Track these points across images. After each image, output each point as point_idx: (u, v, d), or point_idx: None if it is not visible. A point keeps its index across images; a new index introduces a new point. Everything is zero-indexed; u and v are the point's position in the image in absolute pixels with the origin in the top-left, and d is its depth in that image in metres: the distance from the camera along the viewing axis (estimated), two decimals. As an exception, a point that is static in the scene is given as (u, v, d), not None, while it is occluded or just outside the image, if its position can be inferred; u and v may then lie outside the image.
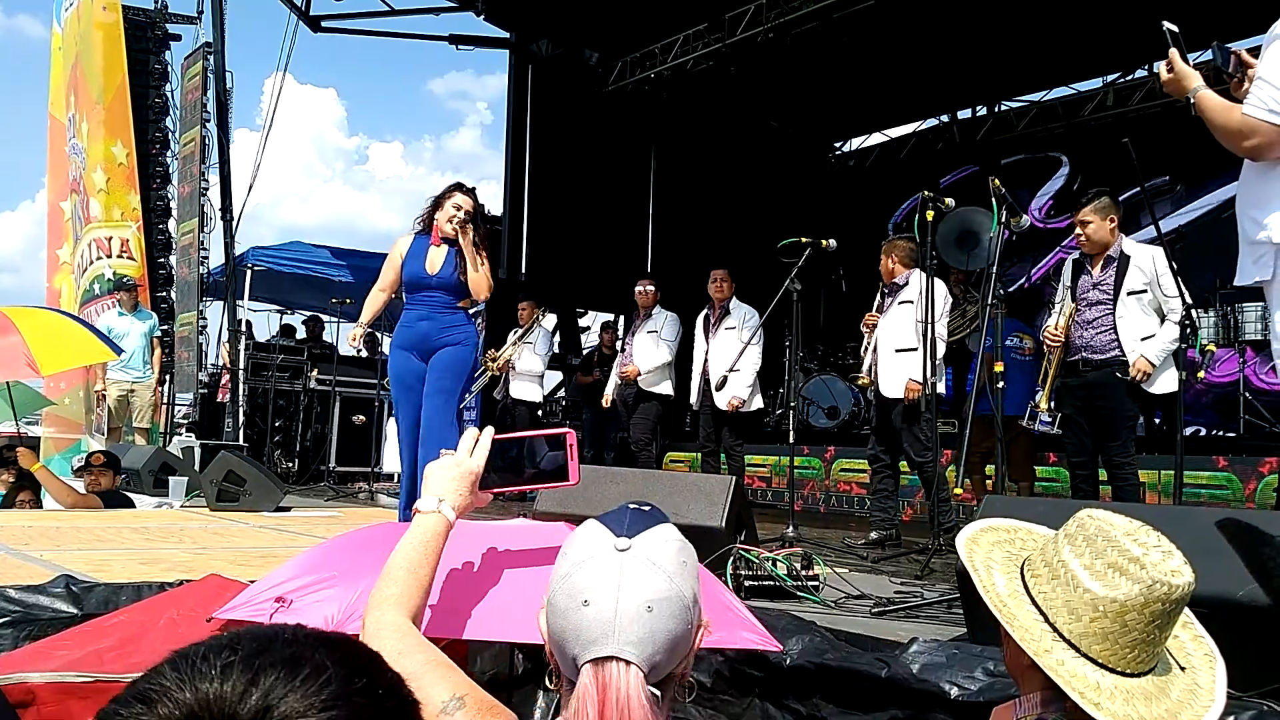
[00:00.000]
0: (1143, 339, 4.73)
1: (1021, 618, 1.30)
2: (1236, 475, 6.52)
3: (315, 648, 0.69)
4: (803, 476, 8.84)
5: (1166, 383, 4.71)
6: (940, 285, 5.69)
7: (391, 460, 9.59)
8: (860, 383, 5.96)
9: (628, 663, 1.09)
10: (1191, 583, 1.22)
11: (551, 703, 2.26)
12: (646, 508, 1.25)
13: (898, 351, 5.52)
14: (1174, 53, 2.75)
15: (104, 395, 8.82)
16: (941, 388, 5.50)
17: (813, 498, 8.93)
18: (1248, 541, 2.08)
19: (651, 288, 7.69)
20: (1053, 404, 5.01)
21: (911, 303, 5.52)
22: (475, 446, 1.63)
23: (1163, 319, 4.74)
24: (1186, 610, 1.35)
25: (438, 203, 4.82)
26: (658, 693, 1.11)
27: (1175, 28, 2.77)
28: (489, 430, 1.66)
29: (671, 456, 9.74)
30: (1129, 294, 4.79)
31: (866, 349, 5.80)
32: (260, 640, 0.68)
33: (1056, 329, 4.97)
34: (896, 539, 5.42)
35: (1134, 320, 4.78)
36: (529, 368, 8.59)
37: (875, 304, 5.86)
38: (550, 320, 8.58)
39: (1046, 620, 1.29)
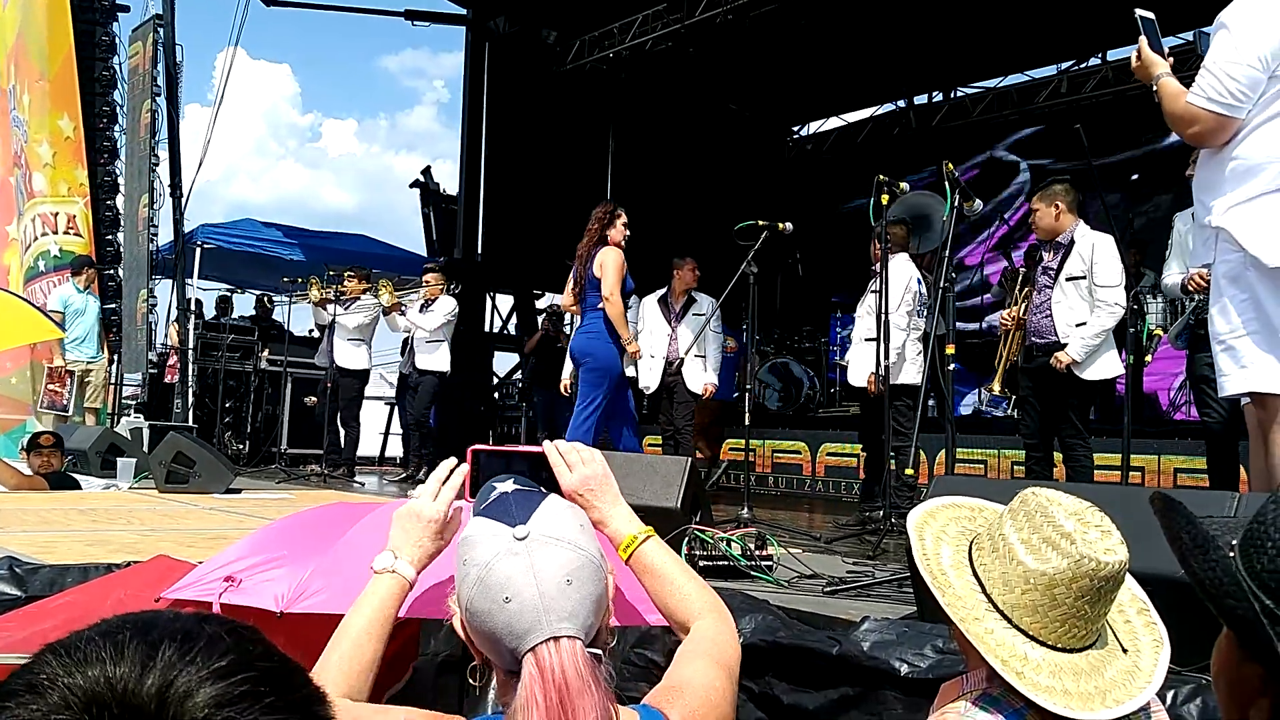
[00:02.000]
0: (1076, 325, 4.82)
1: (958, 587, 1.33)
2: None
3: (202, 622, 0.67)
4: (790, 460, 8.95)
5: (1104, 368, 4.79)
6: (905, 272, 5.73)
7: (366, 445, 9.54)
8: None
9: (569, 638, 1.12)
10: (1123, 562, 1.24)
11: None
12: (522, 486, 1.29)
13: (866, 340, 5.55)
14: (1142, 40, 2.80)
15: (71, 373, 8.71)
16: (917, 375, 5.54)
17: (798, 481, 8.98)
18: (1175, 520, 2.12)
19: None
20: (1005, 388, 5.09)
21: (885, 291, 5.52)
22: (440, 489, 1.52)
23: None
24: (1142, 596, 1.39)
25: (614, 218, 5.78)
26: (599, 652, 1.16)
27: (1150, 14, 2.81)
28: (462, 469, 1.54)
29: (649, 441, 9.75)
30: (1067, 279, 4.87)
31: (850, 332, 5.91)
32: (144, 622, 0.66)
33: (1010, 313, 5.04)
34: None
35: (1069, 306, 4.87)
36: (435, 338, 8.34)
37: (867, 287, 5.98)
38: (450, 302, 8.41)
39: (984, 591, 1.32)
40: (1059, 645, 1.27)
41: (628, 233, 5.88)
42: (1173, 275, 4.70)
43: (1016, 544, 1.28)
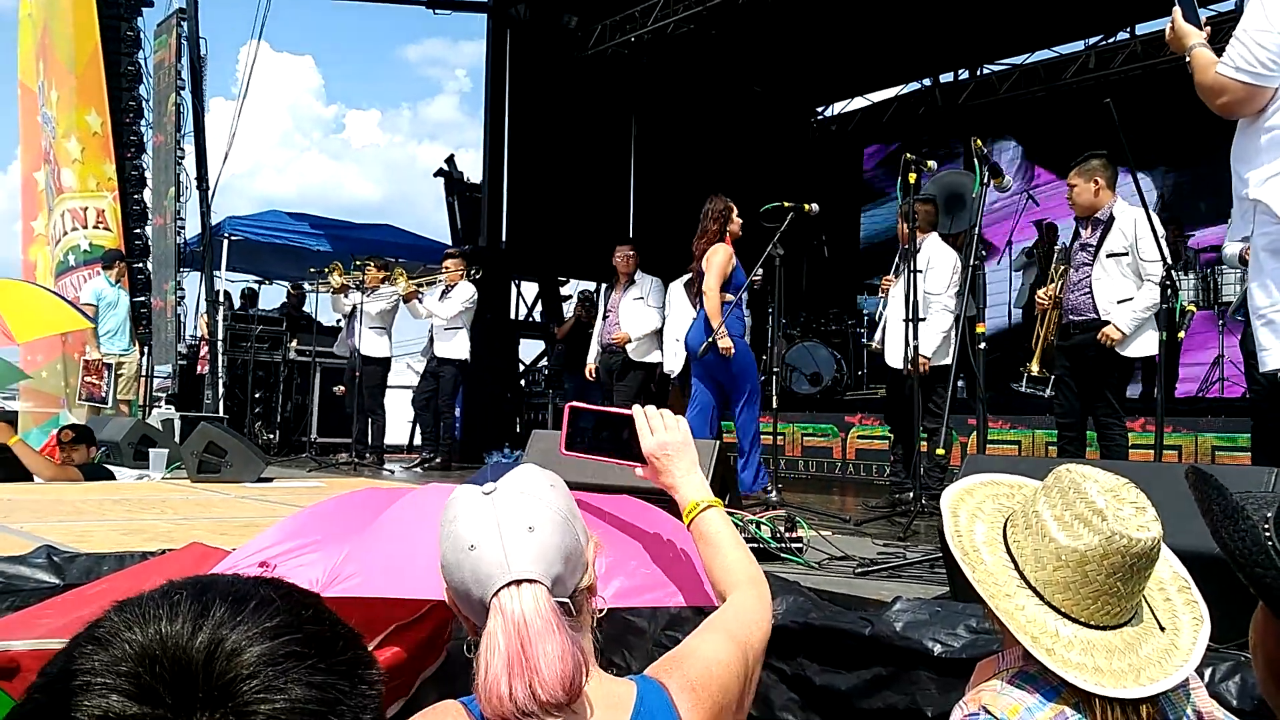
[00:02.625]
0: (1119, 302, 4.75)
1: (990, 564, 1.33)
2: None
3: (257, 585, 0.70)
4: (819, 444, 8.94)
5: (1144, 346, 4.73)
6: (950, 254, 5.69)
7: (394, 433, 9.58)
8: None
9: (531, 581, 1.13)
10: (1156, 539, 1.23)
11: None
12: (507, 461, 1.33)
13: (903, 321, 5.50)
14: (1176, 10, 2.75)
15: (108, 365, 8.80)
16: (950, 358, 5.52)
17: (828, 465, 8.97)
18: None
19: (631, 252, 7.59)
20: (1043, 368, 5.03)
21: (922, 272, 5.47)
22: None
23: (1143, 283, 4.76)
24: (1184, 574, 1.37)
25: (729, 214, 5.87)
26: (566, 600, 1.16)
27: None
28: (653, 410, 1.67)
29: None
30: (1108, 256, 4.80)
31: (881, 315, 5.85)
32: (202, 583, 0.70)
33: (1046, 292, 4.99)
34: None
35: (1111, 283, 4.79)
36: (453, 325, 8.30)
37: (893, 267, 5.91)
38: (469, 289, 8.36)
39: (1016, 568, 1.31)
40: (1092, 622, 1.26)
41: (740, 221, 6.02)
42: (1234, 245, 4.61)
43: (1049, 520, 1.28)
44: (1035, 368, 5.01)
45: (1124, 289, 4.76)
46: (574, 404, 1.72)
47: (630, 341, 7.35)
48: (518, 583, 1.13)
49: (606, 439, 1.71)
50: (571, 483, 1.34)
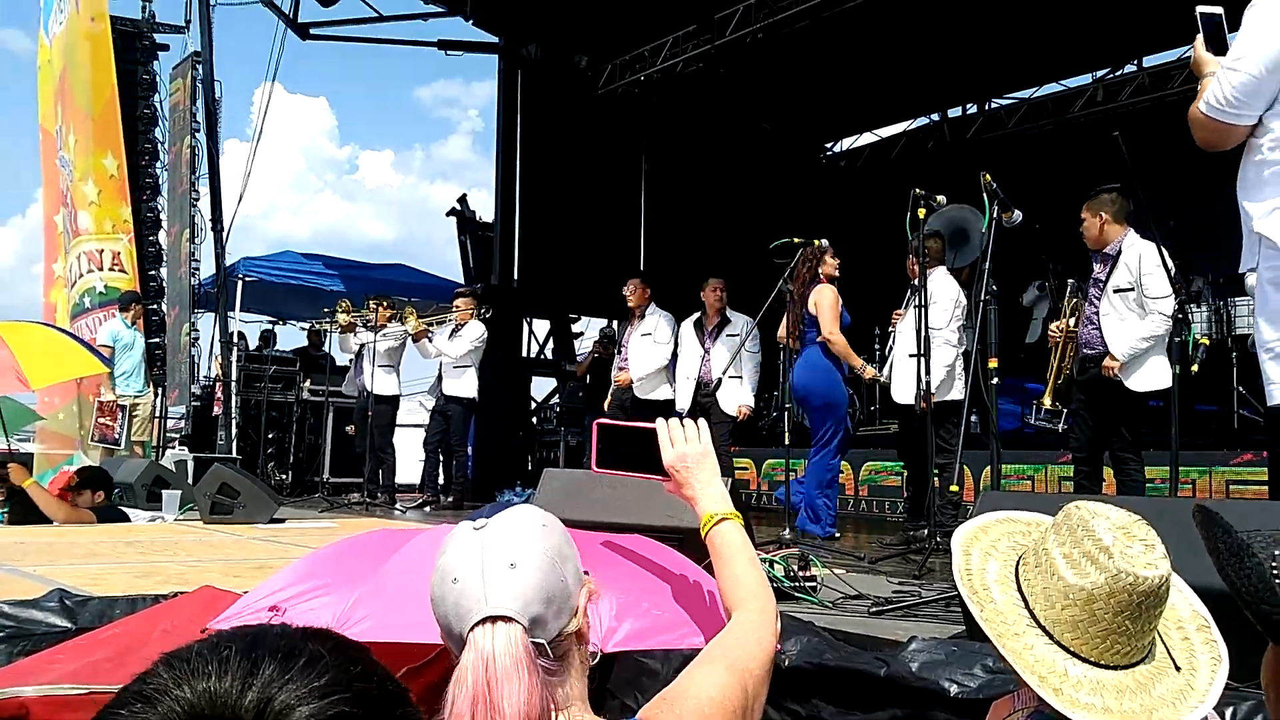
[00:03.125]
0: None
1: (1001, 603, 1.31)
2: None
3: (307, 639, 0.69)
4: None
5: (1154, 380, 4.70)
6: (952, 287, 5.69)
7: (405, 472, 9.56)
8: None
9: (506, 620, 1.12)
10: (1164, 577, 1.21)
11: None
12: (519, 499, 1.32)
13: (910, 356, 5.49)
14: (1198, 39, 2.75)
15: (122, 407, 8.84)
16: (959, 392, 5.52)
17: (840, 501, 8.89)
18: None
19: (639, 285, 7.56)
20: (1056, 401, 5.01)
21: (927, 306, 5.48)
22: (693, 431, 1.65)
23: None
24: (1204, 612, 1.35)
25: (820, 255, 5.91)
26: (543, 641, 1.14)
27: (1214, 10, 2.73)
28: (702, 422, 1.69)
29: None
30: (1115, 291, 4.80)
31: (890, 348, 5.86)
32: (251, 637, 0.68)
33: (1059, 325, 4.98)
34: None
35: (1118, 318, 4.79)
36: (462, 363, 8.32)
37: (904, 302, 5.93)
38: (479, 328, 8.38)
39: (1027, 606, 1.30)
40: (1101, 662, 1.24)
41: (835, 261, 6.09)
42: (1252, 275, 4.60)
43: (1058, 558, 1.26)
44: (1048, 401, 4.99)
45: (1131, 323, 4.75)
46: (601, 420, 1.75)
47: (631, 383, 7.30)
48: (493, 619, 1.12)
49: (634, 454, 1.73)
50: (586, 523, 1.34)
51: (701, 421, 1.66)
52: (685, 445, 1.61)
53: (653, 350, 7.34)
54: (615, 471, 1.75)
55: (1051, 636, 1.26)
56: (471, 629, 1.12)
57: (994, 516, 1.47)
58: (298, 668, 0.65)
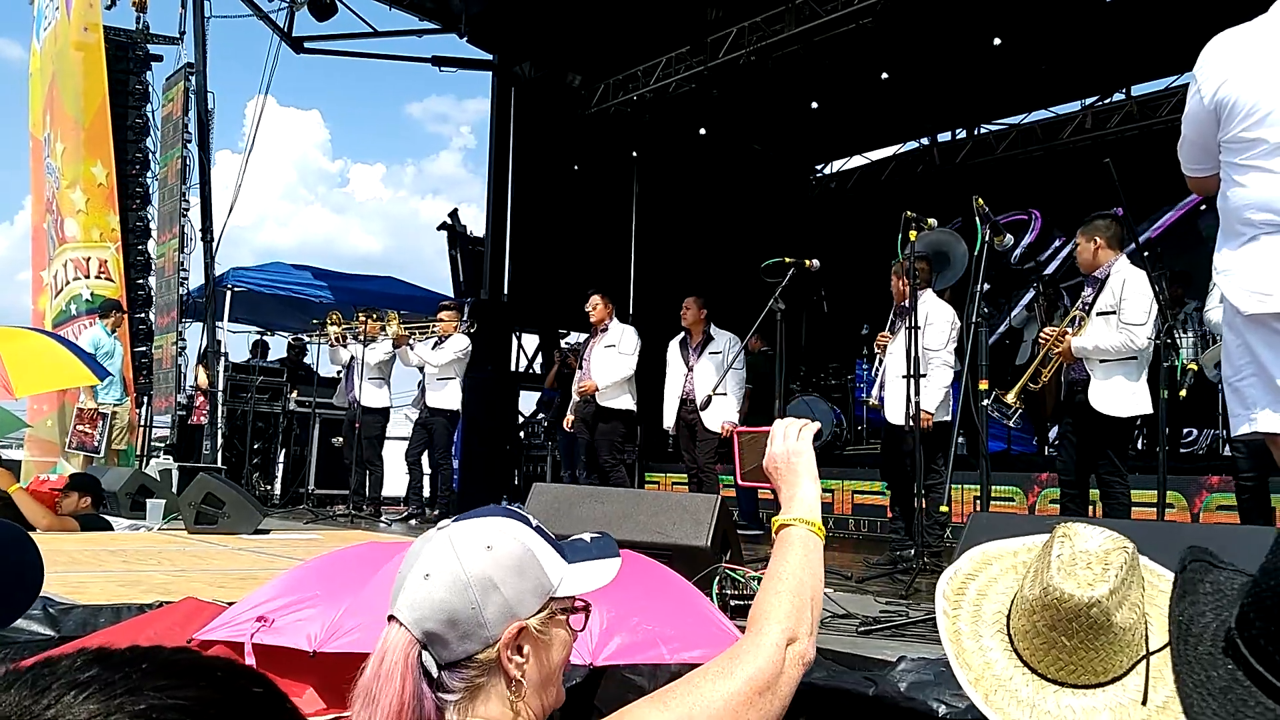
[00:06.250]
0: (1101, 361, 4.77)
1: (986, 609, 1.36)
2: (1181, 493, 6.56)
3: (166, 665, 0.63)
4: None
5: (1133, 405, 4.74)
6: (947, 310, 5.72)
7: (392, 485, 9.50)
8: (871, 404, 6.00)
9: (400, 625, 1.15)
10: (1093, 600, 1.21)
11: None
12: (507, 506, 1.30)
13: (903, 378, 5.49)
14: None
15: (102, 415, 8.77)
16: (949, 414, 5.55)
17: (826, 521, 8.89)
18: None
19: (601, 301, 7.46)
20: (1019, 400, 5.01)
21: (920, 328, 5.49)
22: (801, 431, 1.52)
23: None
24: None
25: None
26: (435, 663, 1.14)
27: None
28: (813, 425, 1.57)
29: (650, 477, 9.71)
30: (1099, 314, 4.84)
31: (878, 371, 5.86)
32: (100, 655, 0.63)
33: (1049, 331, 5.01)
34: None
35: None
36: (445, 375, 8.25)
37: (888, 324, 5.93)
38: (463, 340, 8.32)
39: (1007, 618, 1.33)
40: (1050, 675, 1.26)
41: None
42: (1215, 310, 4.66)
43: (1031, 571, 1.31)
44: (1011, 397, 4.97)
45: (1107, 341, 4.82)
46: (740, 429, 1.68)
47: (597, 390, 7.24)
48: (394, 619, 1.16)
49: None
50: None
51: (810, 424, 1.53)
52: (782, 444, 1.50)
53: (618, 361, 7.25)
54: (759, 485, 1.66)
55: (1013, 644, 1.30)
56: (389, 617, 1.17)
57: (994, 550, 1.48)
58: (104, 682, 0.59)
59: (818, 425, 1.56)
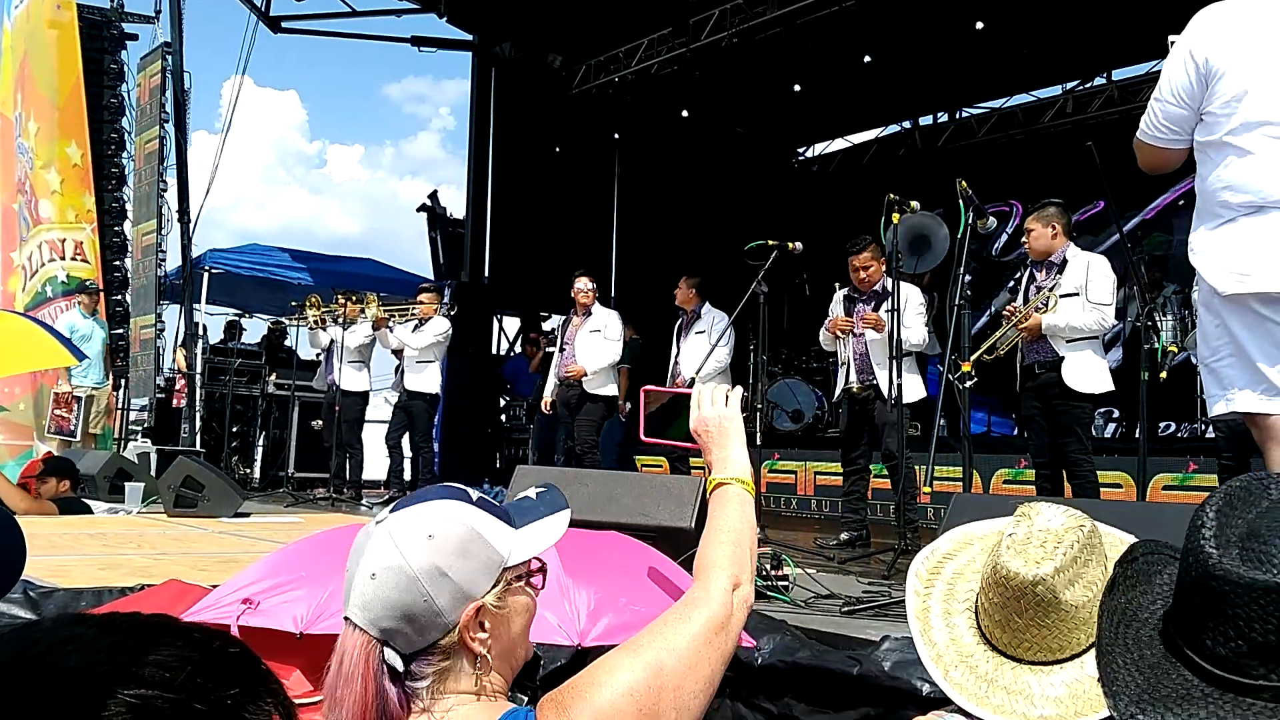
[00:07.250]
0: (1068, 342, 4.82)
1: (959, 588, 1.39)
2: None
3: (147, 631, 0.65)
4: (784, 480, 8.89)
5: (1102, 382, 4.85)
6: (912, 290, 5.74)
7: (372, 468, 9.45)
8: (855, 390, 5.91)
9: (356, 627, 1.15)
10: (1037, 579, 1.23)
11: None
12: (448, 486, 1.29)
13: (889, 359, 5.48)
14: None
15: (78, 398, 8.69)
16: (920, 390, 5.57)
17: (799, 503, 8.92)
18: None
19: (591, 285, 7.42)
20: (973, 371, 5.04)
21: (898, 310, 5.47)
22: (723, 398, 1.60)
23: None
24: None
25: None
26: (397, 657, 1.14)
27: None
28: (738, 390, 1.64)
29: (641, 461, 9.69)
30: (1063, 296, 4.89)
31: (845, 354, 5.85)
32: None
33: (1015, 307, 5.04)
34: (866, 540, 5.46)
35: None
36: (424, 358, 8.21)
37: (842, 307, 5.94)
38: (443, 323, 8.26)
39: (977, 597, 1.36)
40: (1008, 652, 1.28)
41: None
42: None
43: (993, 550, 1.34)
44: (968, 365, 4.99)
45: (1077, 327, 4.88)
46: (647, 387, 1.76)
47: (586, 375, 7.18)
48: (348, 620, 1.16)
49: (678, 422, 1.75)
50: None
51: (736, 389, 1.61)
52: (710, 409, 1.58)
53: (604, 347, 7.17)
54: (661, 441, 1.75)
55: (979, 621, 1.33)
56: (345, 618, 1.17)
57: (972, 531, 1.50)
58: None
59: (741, 390, 1.63)
